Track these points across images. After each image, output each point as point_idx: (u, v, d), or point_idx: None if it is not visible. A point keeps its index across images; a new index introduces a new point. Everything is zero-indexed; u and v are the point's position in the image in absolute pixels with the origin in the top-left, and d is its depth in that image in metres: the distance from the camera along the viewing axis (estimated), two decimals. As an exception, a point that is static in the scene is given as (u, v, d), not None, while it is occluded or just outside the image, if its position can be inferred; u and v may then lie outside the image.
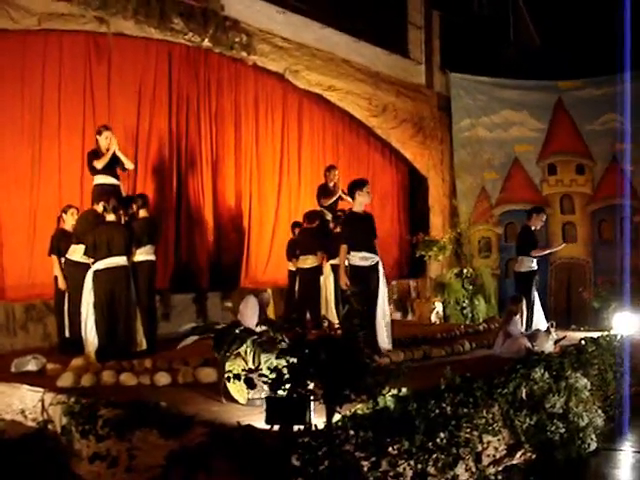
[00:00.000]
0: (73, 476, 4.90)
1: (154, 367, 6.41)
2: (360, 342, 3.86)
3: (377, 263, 7.06)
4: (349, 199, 7.76)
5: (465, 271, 13.04)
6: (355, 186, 7.12)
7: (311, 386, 3.88)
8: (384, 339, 6.99)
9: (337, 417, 4.07)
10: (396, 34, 14.04)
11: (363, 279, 6.86)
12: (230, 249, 10.76)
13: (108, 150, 7.71)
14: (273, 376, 3.76)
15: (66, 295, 7.52)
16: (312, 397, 3.85)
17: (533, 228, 9.20)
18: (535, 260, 9.00)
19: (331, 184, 9.93)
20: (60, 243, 7.71)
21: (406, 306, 13.27)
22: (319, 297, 9.44)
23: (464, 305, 12.61)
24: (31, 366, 6.35)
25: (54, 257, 7.67)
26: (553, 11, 15.10)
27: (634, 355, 8.44)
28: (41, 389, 5.46)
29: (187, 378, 5.90)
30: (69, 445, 4.96)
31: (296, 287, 9.65)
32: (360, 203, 7.13)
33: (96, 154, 7.73)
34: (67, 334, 7.51)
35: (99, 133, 7.83)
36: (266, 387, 3.98)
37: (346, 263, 6.97)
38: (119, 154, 7.77)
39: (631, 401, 7.59)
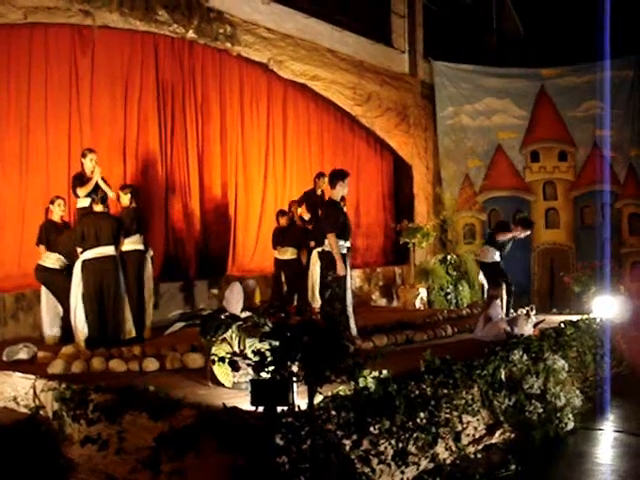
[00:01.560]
0: (65, 460, 5.04)
1: (143, 354, 6.54)
2: (340, 326, 4.00)
3: (348, 250, 7.31)
4: None
5: (449, 257, 13.23)
6: (338, 176, 7.23)
7: (294, 368, 4.04)
8: (353, 325, 7.19)
9: (319, 398, 4.23)
10: (379, 23, 14.14)
11: (344, 266, 7.05)
12: (217, 238, 10.88)
13: (93, 173, 7.85)
14: (256, 359, 3.91)
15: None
16: (295, 379, 4.00)
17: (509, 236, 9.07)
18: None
19: (319, 191, 10.03)
20: (48, 234, 7.84)
21: (391, 293, 13.44)
22: (305, 284, 9.59)
23: (448, 291, 12.81)
24: (22, 354, 6.46)
25: (42, 247, 7.79)
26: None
27: (613, 337, 8.69)
28: (32, 376, 5.60)
29: (175, 364, 6.06)
30: (61, 430, 5.11)
31: (282, 275, 9.85)
32: (339, 193, 7.26)
33: (80, 179, 7.86)
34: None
35: (84, 156, 7.97)
36: (251, 370, 4.13)
37: (326, 249, 7.12)
38: (101, 183, 7.89)
39: (611, 382, 7.82)
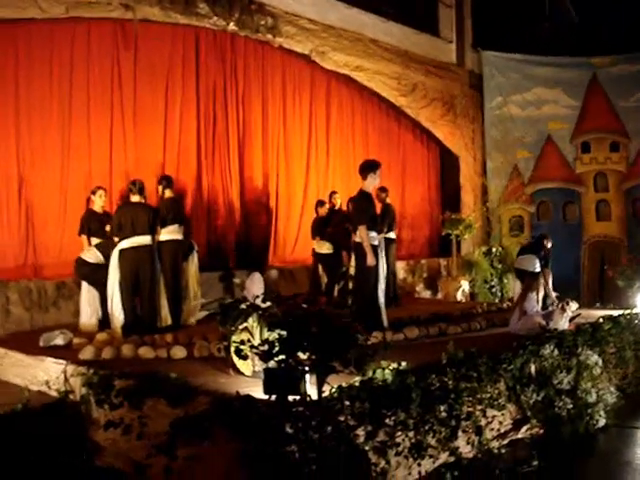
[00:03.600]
0: (92, 443, 5.19)
1: (175, 341, 6.67)
2: (349, 317, 4.01)
3: (391, 241, 7.26)
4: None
5: (494, 250, 13.04)
6: (368, 167, 7.18)
7: (304, 358, 4.07)
8: (384, 317, 7.17)
9: (330, 388, 4.25)
10: (426, 13, 14.01)
11: (375, 257, 7.02)
12: (258, 229, 10.99)
13: (103, 208, 8.13)
14: (264, 348, 3.96)
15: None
16: (305, 368, 4.03)
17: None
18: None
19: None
20: (90, 223, 8.06)
21: (436, 284, 13.34)
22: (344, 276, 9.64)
23: (492, 284, 12.63)
24: (58, 340, 6.68)
25: (84, 237, 8.01)
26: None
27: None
28: (64, 361, 5.78)
29: (202, 352, 6.15)
30: (87, 414, 5.25)
31: (320, 268, 9.92)
32: (370, 184, 7.22)
33: (92, 215, 8.14)
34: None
35: (93, 193, 8.18)
36: (257, 360, 4.17)
37: (357, 240, 7.12)
38: None
39: (654, 380, 7.61)
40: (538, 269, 8.16)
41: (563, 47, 14.86)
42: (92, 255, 7.76)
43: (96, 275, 7.65)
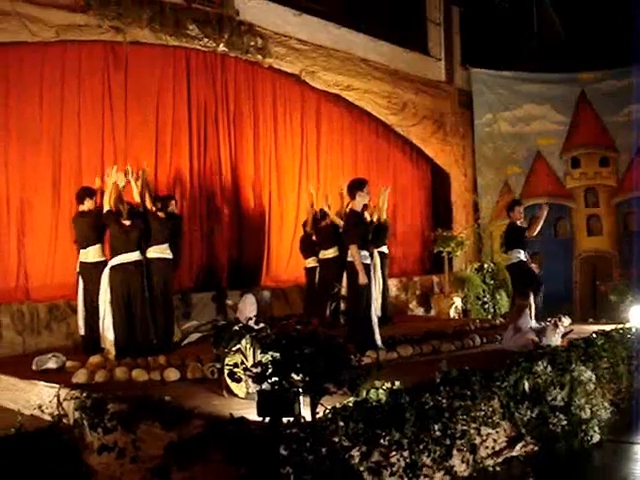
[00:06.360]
0: (86, 467, 5.15)
1: (168, 363, 6.64)
2: (342, 337, 4.02)
3: (385, 258, 7.30)
4: None
5: (486, 266, 13.08)
6: (356, 186, 7.25)
7: (298, 379, 4.07)
8: (377, 335, 7.18)
9: (323, 410, 4.25)
10: (415, 31, 14.13)
11: (367, 276, 7.04)
12: (251, 249, 10.99)
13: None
14: (258, 370, 3.96)
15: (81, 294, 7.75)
16: (298, 390, 4.03)
17: (518, 223, 9.26)
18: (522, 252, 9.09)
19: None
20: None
21: (429, 302, 13.35)
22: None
23: (485, 300, 12.65)
24: (51, 364, 6.65)
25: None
26: (574, 2, 15.02)
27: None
28: (57, 385, 5.76)
29: (196, 374, 6.14)
30: (81, 438, 5.22)
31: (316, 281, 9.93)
32: (359, 203, 7.26)
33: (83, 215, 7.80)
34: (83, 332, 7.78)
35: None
36: (251, 382, 4.17)
37: (349, 259, 7.14)
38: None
39: (647, 394, 7.61)
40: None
41: (551, 64, 14.99)
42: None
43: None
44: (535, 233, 9.34)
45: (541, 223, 9.34)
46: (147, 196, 7.83)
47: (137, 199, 7.80)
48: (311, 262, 10.09)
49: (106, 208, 7.50)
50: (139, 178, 7.87)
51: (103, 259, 7.62)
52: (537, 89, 15.00)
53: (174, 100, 9.97)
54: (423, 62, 14.09)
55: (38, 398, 5.84)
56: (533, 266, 9.27)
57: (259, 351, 4.78)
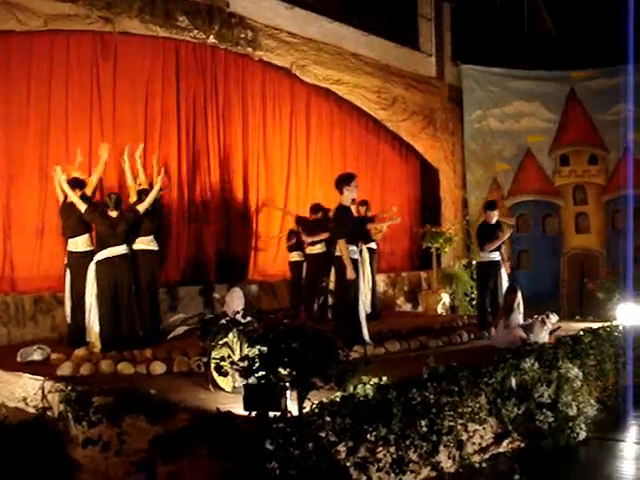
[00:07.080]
0: (71, 460, 5.12)
1: (154, 357, 6.60)
2: (329, 332, 3.99)
3: (373, 253, 7.27)
4: None
5: (474, 262, 13.07)
6: (343, 181, 7.21)
7: (285, 374, 4.04)
8: (365, 331, 7.16)
9: (310, 404, 4.22)
10: (406, 27, 14.09)
11: (356, 271, 7.02)
12: (238, 242, 10.94)
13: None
14: (245, 364, 3.93)
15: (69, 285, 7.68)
16: (286, 385, 4.00)
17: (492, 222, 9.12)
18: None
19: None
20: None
21: (417, 297, 13.36)
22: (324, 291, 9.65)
23: (473, 296, 12.66)
24: (36, 356, 6.58)
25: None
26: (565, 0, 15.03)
27: (637, 346, 8.48)
28: (41, 378, 5.69)
29: (182, 367, 6.10)
30: (66, 431, 5.19)
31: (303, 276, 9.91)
32: (347, 198, 7.23)
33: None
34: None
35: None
36: (237, 376, 4.14)
37: (337, 254, 7.11)
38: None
39: (634, 392, 7.62)
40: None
41: (542, 61, 14.99)
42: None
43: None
44: (491, 249, 9.11)
45: (499, 243, 9.10)
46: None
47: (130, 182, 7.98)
48: (295, 256, 10.09)
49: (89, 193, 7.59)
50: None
51: (92, 248, 7.52)
52: (527, 86, 15.01)
53: (163, 91, 9.89)
54: (414, 57, 14.06)
55: (23, 390, 5.78)
56: (504, 267, 9.17)
57: (246, 345, 4.74)
